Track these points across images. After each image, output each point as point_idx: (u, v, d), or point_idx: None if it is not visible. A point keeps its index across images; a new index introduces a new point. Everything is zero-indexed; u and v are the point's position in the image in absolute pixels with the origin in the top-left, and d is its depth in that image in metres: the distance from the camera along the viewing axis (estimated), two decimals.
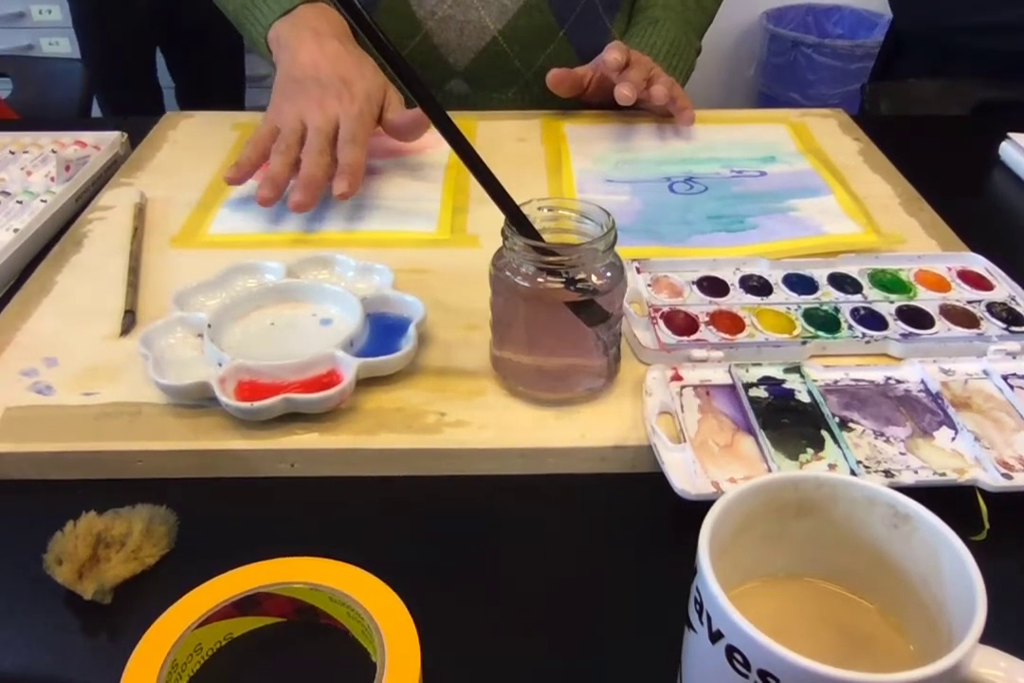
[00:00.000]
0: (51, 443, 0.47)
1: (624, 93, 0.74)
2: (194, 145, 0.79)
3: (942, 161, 0.80)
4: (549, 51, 0.90)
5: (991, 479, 0.44)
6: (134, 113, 0.86)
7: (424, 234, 0.66)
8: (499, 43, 0.88)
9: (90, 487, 0.46)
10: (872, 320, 0.55)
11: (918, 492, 0.33)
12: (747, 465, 0.45)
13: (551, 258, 0.44)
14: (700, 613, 0.29)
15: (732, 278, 0.59)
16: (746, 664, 0.27)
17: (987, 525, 0.42)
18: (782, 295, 0.58)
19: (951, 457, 0.46)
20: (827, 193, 0.70)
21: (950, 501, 0.36)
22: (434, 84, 0.90)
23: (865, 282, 0.59)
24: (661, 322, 0.55)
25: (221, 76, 2.26)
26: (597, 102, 0.84)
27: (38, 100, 1.27)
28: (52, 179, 0.72)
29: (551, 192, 0.71)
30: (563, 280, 0.45)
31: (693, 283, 0.58)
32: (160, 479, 0.47)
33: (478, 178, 0.45)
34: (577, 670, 0.38)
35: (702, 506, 0.32)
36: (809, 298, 0.57)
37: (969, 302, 0.57)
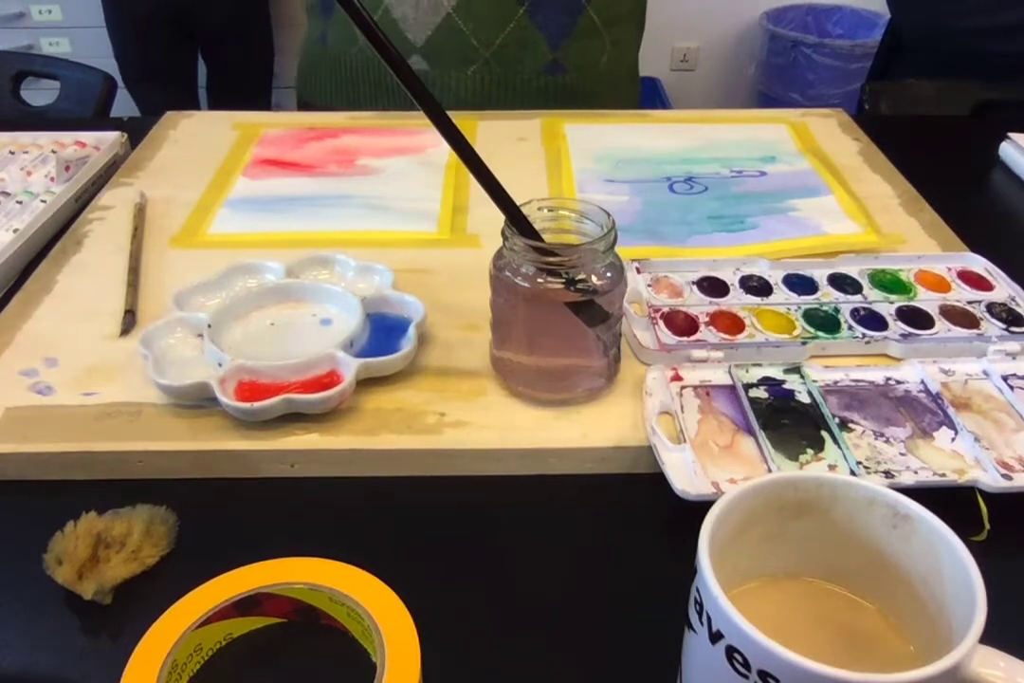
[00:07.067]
0: (51, 443, 0.47)
1: None
2: (194, 145, 0.79)
3: (942, 161, 0.80)
4: (509, 29, 0.88)
5: (991, 480, 0.44)
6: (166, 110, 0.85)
7: (424, 234, 0.66)
8: (454, 20, 0.87)
9: (90, 487, 0.46)
10: (872, 320, 0.55)
11: (918, 493, 0.33)
12: (747, 466, 0.45)
13: (551, 258, 0.44)
14: (700, 613, 0.29)
15: (732, 278, 0.59)
16: (746, 664, 0.27)
17: (987, 525, 0.42)
18: (782, 295, 0.58)
19: (951, 458, 0.45)
20: (827, 193, 0.70)
21: (950, 501, 0.36)
22: None
23: (865, 282, 0.59)
24: (661, 322, 0.55)
25: (253, 75, 2.26)
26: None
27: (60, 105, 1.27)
28: (52, 179, 0.72)
29: (551, 192, 0.71)
30: (563, 280, 0.45)
31: (693, 283, 0.58)
32: (160, 479, 0.47)
33: (478, 178, 0.44)
34: (577, 670, 0.38)
35: (702, 506, 0.32)
36: (809, 298, 0.57)
37: (969, 302, 0.57)
